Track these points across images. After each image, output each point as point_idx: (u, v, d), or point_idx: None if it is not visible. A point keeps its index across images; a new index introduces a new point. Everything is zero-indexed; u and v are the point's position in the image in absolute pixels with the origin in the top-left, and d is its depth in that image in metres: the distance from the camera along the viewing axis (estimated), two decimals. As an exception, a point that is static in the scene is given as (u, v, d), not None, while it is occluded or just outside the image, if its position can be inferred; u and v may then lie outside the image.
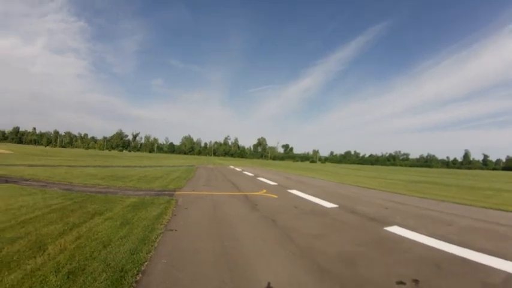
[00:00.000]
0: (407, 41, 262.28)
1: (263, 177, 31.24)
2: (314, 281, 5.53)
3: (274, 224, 10.07)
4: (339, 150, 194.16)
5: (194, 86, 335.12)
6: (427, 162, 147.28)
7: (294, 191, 19.22)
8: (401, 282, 5.45)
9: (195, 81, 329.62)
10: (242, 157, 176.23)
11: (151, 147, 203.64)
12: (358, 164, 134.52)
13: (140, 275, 5.38)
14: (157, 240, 7.35)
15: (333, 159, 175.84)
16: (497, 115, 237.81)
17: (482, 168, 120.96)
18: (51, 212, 9.54)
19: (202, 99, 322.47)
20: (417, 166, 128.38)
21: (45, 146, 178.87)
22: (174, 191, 16.60)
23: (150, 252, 6.52)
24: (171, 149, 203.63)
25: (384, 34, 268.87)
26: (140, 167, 39.30)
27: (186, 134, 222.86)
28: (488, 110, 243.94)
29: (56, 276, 5.02)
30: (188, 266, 5.98)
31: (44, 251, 6.08)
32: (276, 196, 16.71)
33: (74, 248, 6.40)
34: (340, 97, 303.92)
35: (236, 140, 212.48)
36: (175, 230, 8.47)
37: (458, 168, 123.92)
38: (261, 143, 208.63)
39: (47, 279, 4.89)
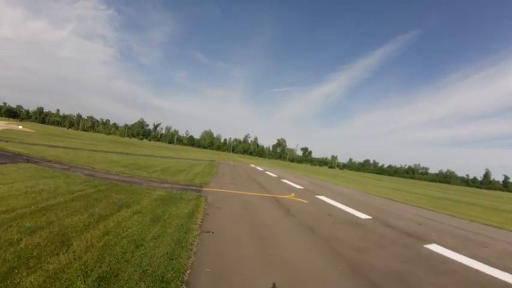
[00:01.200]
0: (435, 52, 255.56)
1: (287, 179, 30.39)
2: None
3: (313, 232, 9.40)
4: (358, 158, 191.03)
5: (217, 81, 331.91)
6: (446, 178, 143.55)
7: (323, 197, 18.40)
8: None
9: (218, 77, 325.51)
10: (261, 156, 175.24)
11: (172, 138, 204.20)
12: (376, 173, 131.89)
13: (184, 287, 4.53)
14: (195, 243, 6.56)
15: (351, 166, 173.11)
16: None
17: (502, 190, 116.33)
18: (74, 200, 8.79)
19: (224, 95, 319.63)
20: (436, 181, 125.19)
21: (68, 128, 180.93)
22: (201, 186, 15.90)
23: (190, 258, 5.69)
24: (191, 142, 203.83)
25: (411, 43, 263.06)
26: (162, 157, 38.85)
27: (207, 129, 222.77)
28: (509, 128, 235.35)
29: (85, 282, 4.14)
30: (235, 277, 5.23)
31: (69, 247, 5.24)
32: (306, 201, 15.92)
33: (102, 246, 5.57)
34: (362, 104, 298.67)
35: (256, 138, 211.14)
36: (212, 233, 7.72)
37: (477, 187, 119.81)
38: (280, 143, 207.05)
39: (74, 286, 4.02)
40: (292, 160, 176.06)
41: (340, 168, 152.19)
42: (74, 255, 4.96)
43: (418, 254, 8.36)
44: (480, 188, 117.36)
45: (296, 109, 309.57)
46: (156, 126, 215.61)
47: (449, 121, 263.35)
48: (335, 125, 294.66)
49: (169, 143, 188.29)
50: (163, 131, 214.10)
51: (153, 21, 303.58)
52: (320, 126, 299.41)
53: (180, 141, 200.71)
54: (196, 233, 7.26)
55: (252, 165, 53.89)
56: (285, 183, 26.17)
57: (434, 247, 9.21)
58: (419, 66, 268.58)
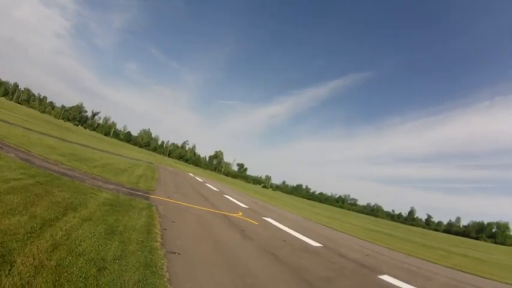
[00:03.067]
0: (381, 94, 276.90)
1: (229, 195, 29.85)
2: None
3: (277, 260, 9.14)
4: (291, 181, 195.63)
5: (167, 81, 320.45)
6: (373, 211, 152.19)
7: (270, 220, 18.22)
8: None
9: (169, 77, 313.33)
10: (196, 165, 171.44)
11: (108, 130, 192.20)
12: (308, 199, 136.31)
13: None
14: (165, 268, 5.73)
15: (284, 188, 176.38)
16: (446, 181, 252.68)
17: (424, 227, 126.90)
18: (10, 192, 7.30)
19: (171, 96, 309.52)
20: (363, 213, 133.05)
21: (1, 96, 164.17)
22: (148, 193, 14.71)
23: (167, 288, 4.84)
24: (128, 138, 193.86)
25: (361, 83, 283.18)
26: (101, 150, 35.97)
27: (146, 127, 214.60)
28: (439, 175, 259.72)
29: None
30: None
31: (12, 266, 4.02)
32: (256, 223, 15.59)
33: (55, 266, 4.39)
34: (304, 131, 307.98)
35: (194, 146, 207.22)
36: (179, 254, 6.96)
37: (402, 222, 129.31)
38: (217, 155, 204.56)
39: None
40: (227, 174, 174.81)
41: (273, 189, 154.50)
42: (20, 279, 3.78)
43: (377, 285, 9.04)
44: (405, 223, 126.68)
45: (239, 124, 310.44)
46: (94, 115, 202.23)
47: (383, 160, 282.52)
48: (274, 146, 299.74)
49: (105, 135, 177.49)
50: (101, 121, 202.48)
51: (117, 4, 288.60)
52: (259, 145, 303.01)
53: (117, 135, 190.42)
54: (161, 254, 6.43)
55: (191, 174, 52.68)
56: (229, 199, 25.75)
57: (387, 278, 9.82)
58: (364, 104, 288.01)
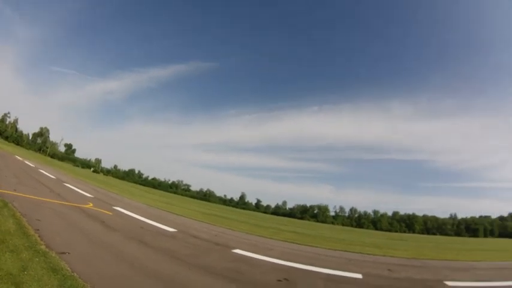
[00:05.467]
0: (222, 86, 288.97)
1: (68, 183, 29.06)
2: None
3: (147, 245, 10.81)
4: (123, 166, 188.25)
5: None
6: (206, 196, 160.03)
7: (120, 209, 19.28)
8: (279, 280, 8.69)
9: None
10: (18, 144, 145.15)
11: None
12: (141, 184, 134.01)
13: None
14: (69, 269, 6.39)
15: (116, 173, 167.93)
16: (275, 170, 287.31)
17: (254, 210, 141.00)
18: None
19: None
20: (197, 198, 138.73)
21: None
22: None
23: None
24: None
25: (204, 72, 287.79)
26: None
27: None
28: (269, 164, 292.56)
29: None
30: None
31: None
32: (110, 213, 16.69)
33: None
34: (139, 113, 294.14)
35: (16, 120, 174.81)
36: (68, 253, 7.61)
37: (234, 206, 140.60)
38: (43, 133, 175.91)
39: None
40: (53, 156, 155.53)
41: (105, 174, 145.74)
42: None
43: (235, 256, 11.58)
44: (236, 207, 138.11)
45: (71, 98, 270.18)
46: None
47: (218, 148, 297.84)
48: (107, 126, 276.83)
49: None
50: None
51: None
52: (91, 124, 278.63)
53: None
54: (56, 256, 6.98)
55: (19, 158, 47.99)
56: (72, 188, 25.63)
57: (239, 251, 12.55)
58: (204, 93, 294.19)
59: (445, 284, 10.68)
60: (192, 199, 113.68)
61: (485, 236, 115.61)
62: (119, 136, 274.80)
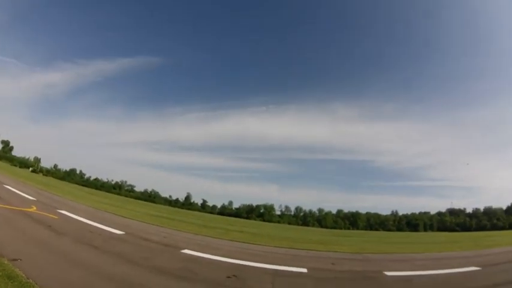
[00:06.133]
0: (169, 83, 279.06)
1: (9, 185, 28.02)
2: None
3: (98, 249, 11.19)
4: (64, 165, 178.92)
5: None
6: (151, 197, 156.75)
7: (65, 212, 19.14)
8: (228, 277, 9.24)
9: None
10: None
11: None
12: (83, 185, 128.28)
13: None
14: (24, 275, 6.58)
15: (56, 173, 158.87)
16: (221, 170, 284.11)
17: (200, 211, 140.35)
18: None
19: None
20: (141, 199, 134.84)
21: None
22: None
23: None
24: None
25: (152, 67, 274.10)
26: None
27: None
28: (214, 164, 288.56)
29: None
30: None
31: None
32: (56, 217, 16.62)
33: None
34: (82, 109, 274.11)
35: None
36: (20, 260, 7.72)
37: (180, 207, 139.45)
38: None
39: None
40: None
41: (44, 174, 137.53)
42: None
43: (185, 256, 12.17)
44: (182, 208, 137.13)
45: (8, 89, 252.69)
46: None
47: (162, 146, 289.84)
48: (47, 122, 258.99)
49: None
50: None
51: None
52: (30, 119, 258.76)
53: None
54: (9, 263, 7.09)
55: None
56: (13, 191, 24.96)
57: (188, 251, 13.20)
58: (151, 89, 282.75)
59: (384, 274, 11.92)
60: (137, 200, 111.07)
61: (425, 230, 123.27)
62: (59, 133, 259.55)
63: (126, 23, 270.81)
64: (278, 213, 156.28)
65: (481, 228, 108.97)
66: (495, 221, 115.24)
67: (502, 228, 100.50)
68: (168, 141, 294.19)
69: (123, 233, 15.61)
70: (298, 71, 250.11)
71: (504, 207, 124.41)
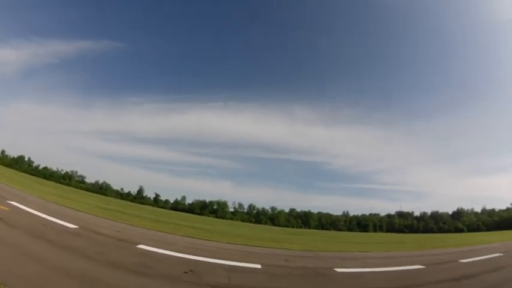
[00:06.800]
0: (128, 70, 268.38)
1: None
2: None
3: (52, 243, 11.18)
4: (12, 152, 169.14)
5: None
6: (102, 189, 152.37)
7: (16, 204, 18.71)
8: (185, 272, 9.53)
9: None
10: None
11: None
12: (31, 174, 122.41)
13: None
14: None
15: (3, 159, 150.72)
16: (175, 164, 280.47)
17: (152, 205, 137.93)
18: None
19: None
20: (92, 191, 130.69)
21: None
22: None
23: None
24: None
25: (112, 52, 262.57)
26: None
27: None
28: (168, 158, 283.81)
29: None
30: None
31: None
32: (6, 208, 16.28)
33: None
34: (32, 91, 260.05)
35: None
36: None
37: (131, 201, 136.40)
38: None
39: None
40: None
41: None
42: None
43: (140, 252, 12.25)
44: (134, 201, 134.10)
45: None
46: None
47: (115, 137, 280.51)
48: None
49: None
50: None
51: None
52: None
53: None
54: None
55: None
56: None
57: (143, 246, 13.28)
58: (108, 75, 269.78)
59: (335, 271, 12.91)
60: (87, 192, 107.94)
61: (374, 231, 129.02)
62: (8, 116, 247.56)
63: (90, 2, 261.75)
64: (231, 210, 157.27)
65: (428, 230, 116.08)
66: (441, 225, 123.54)
67: (448, 231, 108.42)
68: (123, 132, 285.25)
69: (77, 226, 15.48)
70: (261, 70, 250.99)
71: (450, 212, 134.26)
